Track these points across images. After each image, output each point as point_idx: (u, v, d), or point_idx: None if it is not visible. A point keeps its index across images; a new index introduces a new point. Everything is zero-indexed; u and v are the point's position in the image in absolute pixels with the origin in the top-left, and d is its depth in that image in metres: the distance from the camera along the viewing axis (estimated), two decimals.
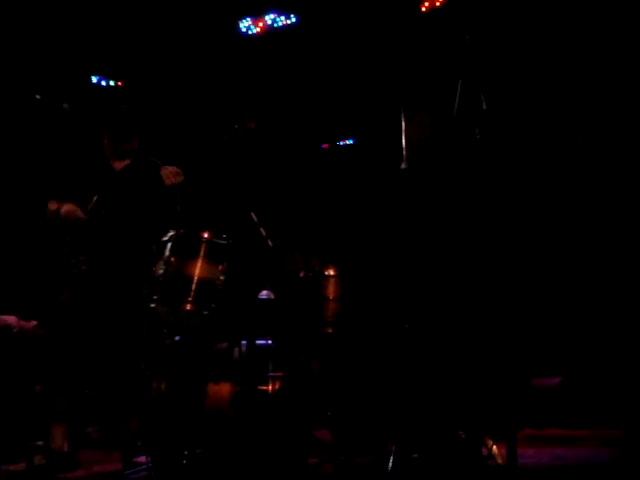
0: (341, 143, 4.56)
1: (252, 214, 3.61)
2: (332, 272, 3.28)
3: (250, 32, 5.63)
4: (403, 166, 3.08)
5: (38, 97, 3.69)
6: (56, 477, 3.46)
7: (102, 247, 3.58)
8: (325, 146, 4.76)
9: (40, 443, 3.77)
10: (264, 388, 3.32)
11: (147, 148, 3.91)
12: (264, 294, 3.50)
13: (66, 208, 3.61)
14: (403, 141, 3.18)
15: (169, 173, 3.57)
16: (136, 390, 3.54)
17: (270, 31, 5.60)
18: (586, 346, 4.57)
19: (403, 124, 3.22)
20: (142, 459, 3.36)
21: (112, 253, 3.58)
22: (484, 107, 2.85)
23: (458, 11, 4.71)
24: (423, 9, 5.06)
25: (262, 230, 3.54)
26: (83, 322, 3.54)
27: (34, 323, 4.48)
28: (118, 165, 3.81)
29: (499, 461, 3.18)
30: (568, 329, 4.71)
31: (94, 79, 5.22)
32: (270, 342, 3.48)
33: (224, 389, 3.30)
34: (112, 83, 5.25)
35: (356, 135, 4.12)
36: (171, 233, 3.26)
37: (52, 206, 3.69)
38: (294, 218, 4.39)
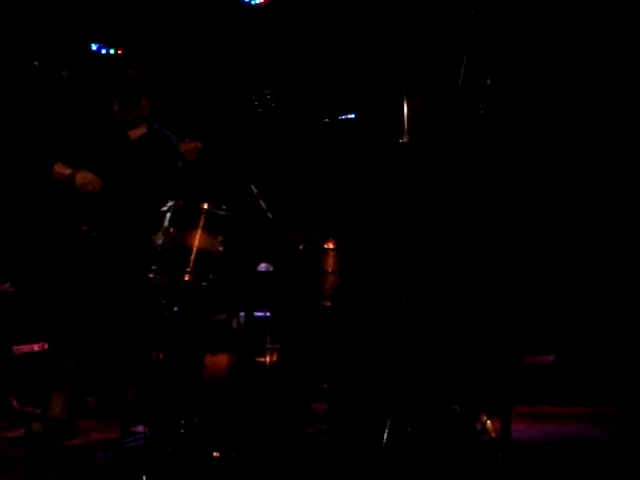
0: (343, 117, 4.52)
1: (252, 186, 3.60)
2: (331, 245, 3.28)
3: (253, 2, 5.57)
4: (405, 140, 3.07)
5: (36, 63, 3.66)
6: (54, 444, 3.49)
7: (115, 215, 3.59)
8: (326, 120, 4.72)
9: (38, 411, 3.80)
10: (262, 360, 3.34)
11: (159, 120, 3.91)
12: (263, 266, 3.51)
13: (81, 179, 3.61)
14: (405, 115, 3.16)
15: (192, 150, 3.58)
16: (135, 360, 3.56)
17: (273, 1, 5.53)
18: (580, 324, 4.60)
19: (405, 98, 3.20)
20: (140, 428, 3.40)
21: (125, 222, 3.58)
22: (488, 82, 2.83)
23: None
24: None
25: (262, 202, 3.54)
26: (91, 289, 3.55)
27: (6, 285, 4.50)
28: (133, 134, 3.82)
29: (492, 435, 3.22)
30: (563, 307, 4.73)
31: (94, 47, 5.17)
32: (268, 314, 3.49)
33: (222, 360, 3.32)
34: (112, 51, 5.20)
35: (358, 110, 4.09)
36: (170, 203, 3.26)
37: (63, 170, 3.67)
38: (294, 191, 4.37)
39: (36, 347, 4.42)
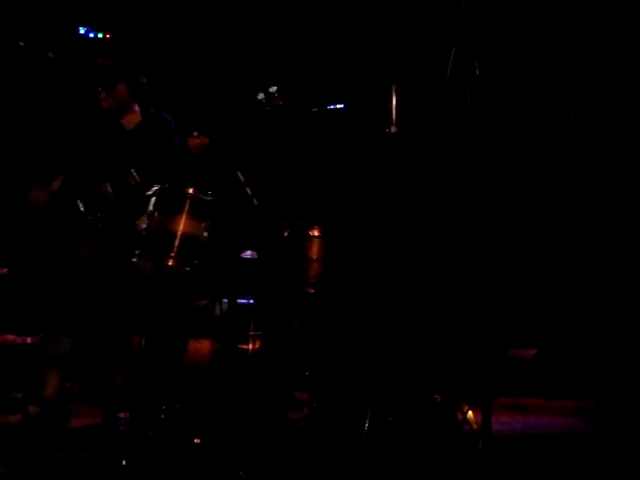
0: (331, 107, 4.50)
1: (239, 173, 3.58)
2: (316, 233, 3.27)
3: None
4: (392, 130, 3.06)
5: (22, 44, 3.61)
6: (48, 426, 3.47)
7: (118, 205, 3.56)
8: (315, 109, 4.70)
9: (19, 395, 3.78)
10: (244, 347, 3.34)
11: (156, 103, 3.87)
12: (248, 254, 3.50)
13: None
14: (393, 105, 3.16)
15: (199, 146, 3.54)
16: (119, 345, 3.55)
17: None
18: (563, 319, 4.63)
19: (393, 88, 3.20)
20: (122, 414, 3.38)
21: (128, 211, 3.55)
22: (477, 73, 2.83)
23: None
24: None
25: (248, 189, 3.52)
26: (94, 275, 3.53)
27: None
28: (127, 123, 3.78)
29: (474, 427, 3.24)
30: (546, 302, 4.76)
31: (81, 30, 5.10)
32: (252, 301, 3.48)
33: (204, 346, 3.31)
34: (100, 35, 5.14)
35: (347, 100, 4.08)
36: (155, 187, 3.23)
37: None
38: (281, 178, 4.37)
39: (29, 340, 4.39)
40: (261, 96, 3.40)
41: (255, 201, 3.41)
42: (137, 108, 3.84)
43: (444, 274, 3.45)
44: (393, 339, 3.25)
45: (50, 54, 3.66)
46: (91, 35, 5.16)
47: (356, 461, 2.99)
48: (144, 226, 3.17)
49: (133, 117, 3.81)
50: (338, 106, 4.17)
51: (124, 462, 2.87)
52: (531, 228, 4.40)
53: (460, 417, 3.24)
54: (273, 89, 3.41)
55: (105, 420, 3.43)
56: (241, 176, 3.57)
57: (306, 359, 3.43)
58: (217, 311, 3.37)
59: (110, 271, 3.52)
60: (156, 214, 3.18)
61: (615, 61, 4.00)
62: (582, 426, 3.57)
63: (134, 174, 3.50)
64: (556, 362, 4.71)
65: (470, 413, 3.25)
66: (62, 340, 3.52)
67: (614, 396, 3.62)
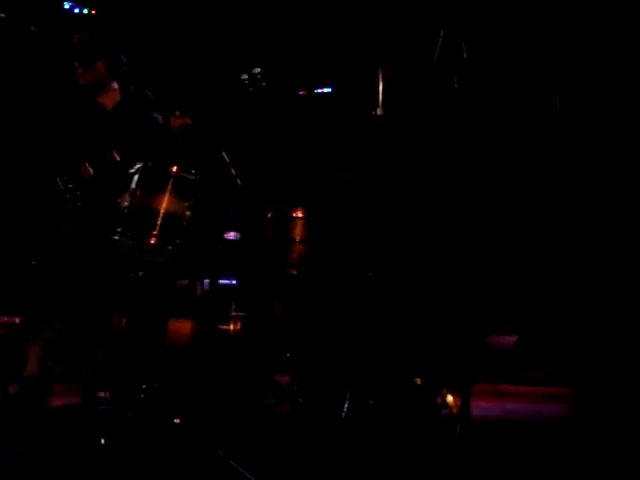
0: (319, 91, 4.48)
1: (224, 153, 3.55)
2: (300, 214, 3.26)
3: None
4: (379, 112, 3.05)
5: (3, 15, 3.55)
6: (31, 405, 3.44)
7: (98, 184, 3.52)
8: (303, 92, 4.68)
9: None
10: (225, 327, 3.33)
11: (137, 80, 3.82)
12: (232, 235, 3.49)
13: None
14: (380, 88, 3.14)
15: (180, 126, 3.50)
16: (100, 324, 3.52)
17: None
18: (544, 306, 4.67)
19: (380, 71, 3.18)
20: (102, 394, 3.37)
21: (108, 189, 3.52)
22: (465, 56, 2.82)
23: None
24: None
25: (232, 169, 3.49)
26: (77, 255, 3.50)
27: None
28: (107, 103, 3.73)
29: (453, 410, 3.26)
30: (528, 289, 4.79)
31: (66, 5, 5.03)
32: (234, 282, 3.47)
33: (185, 326, 3.30)
34: (85, 11, 5.06)
35: (335, 84, 4.05)
36: (138, 165, 3.20)
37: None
38: (266, 160, 4.34)
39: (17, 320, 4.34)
40: (244, 77, 3.38)
41: (239, 181, 3.39)
42: (116, 86, 3.79)
43: (426, 258, 3.46)
44: (374, 322, 3.26)
45: (33, 28, 3.60)
46: (76, 10, 5.09)
47: (335, 443, 3.00)
48: (126, 204, 3.14)
49: (112, 96, 3.76)
50: (326, 90, 4.15)
51: (103, 441, 2.86)
52: (513, 214, 4.42)
53: (440, 401, 3.26)
54: (256, 70, 3.39)
55: (85, 399, 3.41)
56: (226, 157, 3.54)
57: (288, 341, 3.43)
58: (198, 291, 3.35)
59: (92, 250, 3.49)
60: (138, 192, 3.14)
61: (602, 49, 4.01)
62: (559, 412, 3.60)
63: (114, 153, 3.46)
64: (537, 349, 4.74)
65: (449, 397, 3.27)
66: (51, 325, 3.49)
67: (592, 383, 3.66)
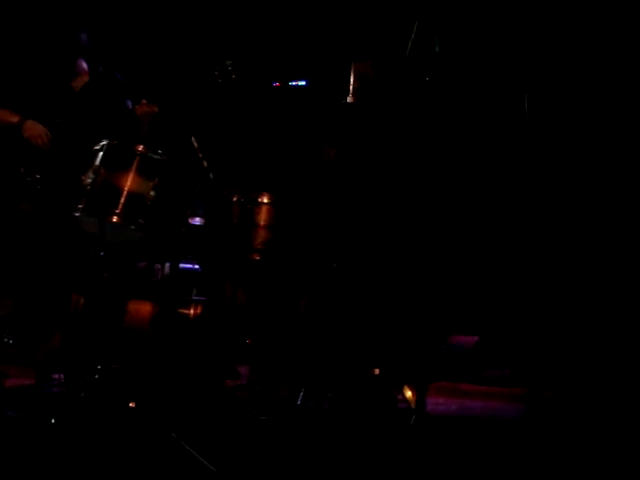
0: (293, 83, 4.47)
1: (193, 138, 3.53)
2: (265, 199, 3.24)
3: None
4: (349, 100, 3.05)
5: None
6: None
7: (59, 167, 3.47)
8: (277, 84, 4.67)
9: None
10: (185, 311, 3.29)
11: (107, 63, 3.78)
12: (197, 220, 3.45)
13: (30, 130, 3.48)
14: (352, 77, 3.15)
15: (147, 113, 3.48)
16: (58, 304, 3.46)
17: None
18: (505, 307, 4.71)
19: (353, 61, 3.19)
20: (56, 375, 3.31)
21: (68, 173, 3.46)
22: (437, 50, 2.84)
23: None
24: None
25: (199, 153, 3.47)
26: (34, 233, 3.44)
27: None
28: (76, 83, 3.69)
29: (410, 405, 3.28)
30: (490, 291, 4.83)
31: None
32: (196, 266, 3.44)
33: (145, 308, 3.25)
34: None
35: (309, 77, 4.05)
36: (103, 142, 3.15)
37: (10, 117, 3.53)
38: (234, 145, 4.31)
39: None
40: (215, 68, 3.38)
41: (205, 163, 3.36)
42: (84, 66, 3.74)
43: (392, 253, 3.47)
44: (336, 313, 3.26)
45: None
46: None
47: (289, 431, 2.99)
48: (89, 181, 3.08)
49: (80, 78, 3.72)
50: (300, 82, 4.13)
51: (53, 421, 2.80)
52: (474, 212, 4.45)
53: (397, 394, 3.27)
54: (228, 62, 3.39)
55: (38, 380, 3.35)
56: (195, 141, 3.51)
57: (248, 328, 3.40)
58: (159, 273, 3.31)
59: (50, 227, 3.44)
60: (102, 170, 3.10)
61: (573, 49, 4.06)
62: (513, 410, 3.66)
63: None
64: (496, 350, 4.79)
65: (407, 391, 3.29)
66: (2, 302, 3.43)
67: (545, 384, 3.72)
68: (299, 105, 4.31)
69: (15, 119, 3.54)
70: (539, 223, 3.62)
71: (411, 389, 3.29)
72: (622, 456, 2.89)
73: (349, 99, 3.04)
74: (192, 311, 3.29)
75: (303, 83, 4.31)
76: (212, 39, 5.22)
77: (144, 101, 3.55)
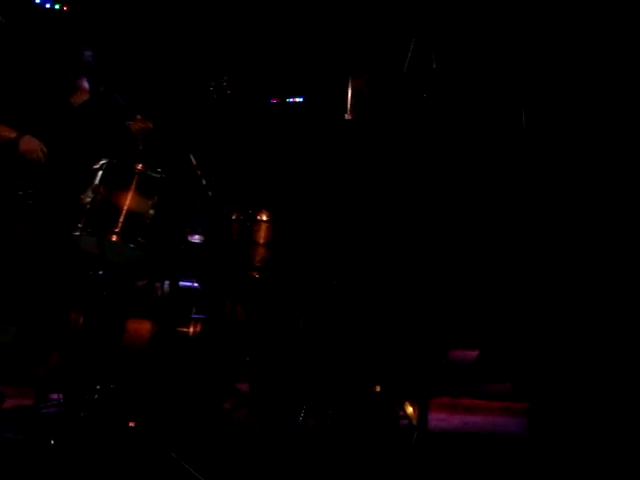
0: (290, 100, 4.51)
1: (191, 156, 3.53)
2: (264, 217, 3.23)
3: None
4: (347, 117, 3.06)
5: None
6: None
7: (54, 183, 3.47)
8: (275, 101, 4.70)
9: None
10: (185, 330, 3.28)
11: (108, 84, 3.80)
12: (196, 238, 3.45)
13: (26, 145, 3.49)
14: (349, 94, 3.16)
15: (141, 129, 3.49)
16: (57, 323, 3.44)
17: None
18: (506, 321, 4.70)
19: (350, 78, 3.20)
20: (54, 395, 3.28)
21: (64, 190, 3.47)
22: (434, 67, 2.84)
23: None
24: None
25: (198, 171, 3.47)
26: (32, 253, 3.43)
27: None
28: (75, 100, 3.70)
29: (412, 421, 3.26)
30: (491, 305, 4.83)
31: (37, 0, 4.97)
32: (195, 284, 3.43)
33: (144, 327, 3.24)
34: (57, 7, 5.01)
35: (306, 94, 4.08)
36: (103, 161, 3.15)
37: (7, 132, 3.54)
38: (232, 163, 4.32)
39: None
40: (211, 84, 3.40)
41: (204, 181, 3.36)
42: (85, 85, 3.76)
43: (391, 269, 3.46)
44: (336, 330, 3.24)
45: (0, 18, 3.55)
46: (47, 5, 5.03)
47: (291, 449, 2.96)
48: (88, 200, 3.08)
49: (80, 94, 3.74)
50: (297, 99, 4.15)
51: (52, 442, 2.78)
52: (475, 228, 4.45)
53: (399, 411, 3.26)
54: (224, 78, 3.41)
55: (37, 400, 3.32)
56: (193, 159, 3.52)
57: (248, 346, 3.39)
58: (158, 292, 3.30)
59: (47, 245, 3.43)
60: (102, 188, 3.09)
61: (569, 61, 4.08)
62: (516, 425, 3.63)
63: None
64: (498, 364, 4.77)
65: (409, 407, 3.27)
66: (8, 329, 3.41)
67: (547, 398, 3.70)
68: (297, 121, 4.33)
69: (12, 134, 3.56)
70: (539, 236, 3.62)
71: (412, 405, 3.27)
72: (627, 469, 2.87)
73: (347, 116, 3.05)
74: (191, 329, 3.28)
75: (300, 100, 4.33)
76: (209, 55, 5.25)
77: (139, 117, 3.56)
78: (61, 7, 4.93)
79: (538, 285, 3.90)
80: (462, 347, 4.89)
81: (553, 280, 4.11)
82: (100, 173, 3.14)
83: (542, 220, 3.79)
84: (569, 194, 4.13)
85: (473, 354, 4.95)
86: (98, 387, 3.12)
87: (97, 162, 3.19)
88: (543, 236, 3.80)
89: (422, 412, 3.08)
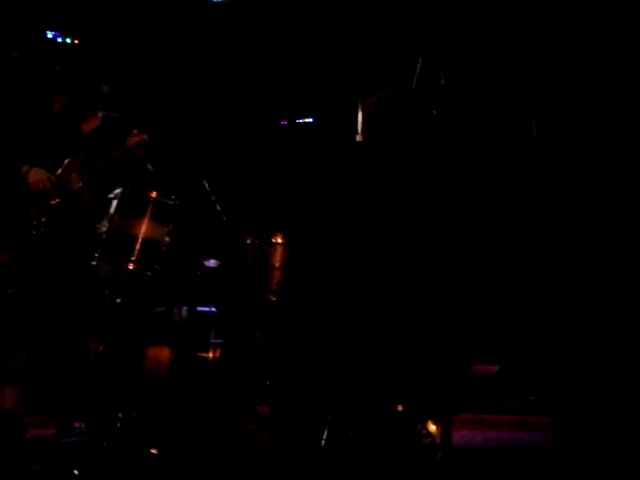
0: (300, 121, 4.53)
1: (204, 182, 3.56)
2: (280, 240, 3.24)
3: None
4: (358, 138, 3.07)
5: None
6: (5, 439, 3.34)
7: (66, 213, 3.50)
8: (284, 122, 4.72)
9: None
10: (204, 355, 3.28)
11: (119, 108, 3.81)
12: (212, 262, 3.46)
13: (34, 176, 3.54)
14: (359, 115, 3.17)
15: (137, 144, 3.48)
16: (75, 353, 3.46)
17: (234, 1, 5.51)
18: (525, 336, 4.66)
19: (360, 98, 3.22)
20: (76, 424, 3.29)
21: (75, 219, 3.50)
22: (442, 83, 2.86)
23: None
24: None
25: (212, 196, 3.49)
26: (47, 282, 3.45)
27: None
28: (85, 127, 3.74)
29: (435, 439, 3.23)
30: (509, 319, 4.79)
31: (49, 34, 5.05)
32: (213, 309, 3.43)
33: (163, 353, 3.24)
34: (68, 40, 5.09)
35: (316, 114, 4.09)
36: (117, 190, 3.18)
37: (23, 168, 3.61)
38: (246, 187, 4.34)
39: None
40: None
41: (218, 207, 3.38)
42: (99, 115, 3.79)
43: (409, 286, 3.45)
44: (355, 349, 3.23)
45: (14, 54, 3.61)
46: (59, 40, 5.11)
47: (314, 472, 2.95)
48: (104, 229, 3.11)
49: (91, 122, 3.77)
50: (307, 120, 4.18)
51: (76, 472, 2.79)
52: (493, 244, 4.44)
53: (421, 429, 3.23)
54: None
55: (59, 430, 3.33)
56: (206, 184, 3.54)
57: (268, 369, 3.38)
58: (177, 318, 3.31)
59: (64, 276, 3.45)
60: (117, 217, 3.12)
61: (578, 74, 4.08)
62: (541, 440, 3.59)
63: (77, 177, 3.45)
64: (519, 378, 4.73)
65: (431, 425, 3.24)
66: (15, 355, 3.43)
67: (572, 411, 3.65)
68: (307, 143, 4.35)
69: (25, 168, 3.61)
70: (560, 250, 3.60)
71: (435, 423, 3.24)
72: None
73: (358, 137, 3.06)
74: (211, 354, 3.28)
75: (310, 120, 4.35)
76: (219, 79, 5.30)
77: (134, 131, 3.51)
78: (72, 40, 5.02)
79: (556, 299, 3.87)
80: (482, 362, 4.85)
81: (569, 294, 4.08)
82: (115, 202, 3.17)
83: (565, 234, 3.77)
84: (589, 207, 4.11)
85: (494, 369, 4.91)
86: (120, 415, 3.13)
87: (112, 191, 3.22)
88: (565, 250, 3.77)
89: (446, 430, 3.06)
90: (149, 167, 3.61)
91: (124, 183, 3.34)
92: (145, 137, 3.48)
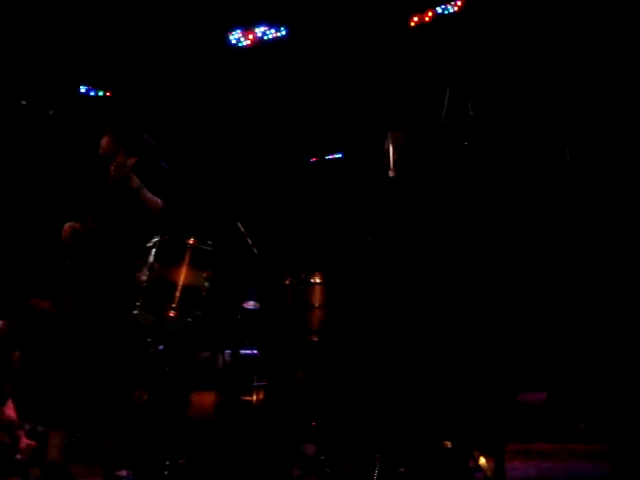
0: (330, 157, 4.57)
1: (239, 224, 3.59)
2: (318, 279, 3.24)
3: (240, 44, 5.66)
4: (391, 174, 3.07)
5: (24, 102, 3.68)
6: None
7: (93, 256, 3.57)
8: (314, 159, 4.77)
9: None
10: (248, 398, 3.27)
11: (154, 152, 3.85)
12: (251, 304, 3.47)
13: (64, 230, 3.63)
14: (390, 150, 3.17)
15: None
16: (118, 401, 3.47)
17: (260, 44, 5.62)
18: (572, 361, 4.56)
19: (389, 133, 3.22)
20: (123, 472, 3.30)
21: (106, 261, 3.55)
22: (471, 114, 2.86)
23: (446, 26, 4.75)
24: (412, 24, 5.11)
25: (248, 239, 3.51)
26: (81, 330, 3.50)
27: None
28: (114, 171, 3.80)
29: (487, 474, 3.15)
30: (555, 345, 4.70)
31: (82, 89, 5.21)
32: (255, 352, 3.43)
33: (207, 398, 3.25)
34: (100, 93, 5.25)
35: (345, 149, 4.12)
36: (155, 239, 3.23)
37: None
38: (282, 228, 4.36)
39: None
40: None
41: (255, 250, 3.40)
42: (132, 160, 3.83)
43: (449, 319, 3.41)
44: (400, 386, 3.19)
45: (51, 112, 3.72)
46: (92, 93, 5.27)
47: None
48: (144, 278, 3.15)
49: (122, 168, 3.80)
50: (336, 155, 4.20)
51: None
52: (533, 271, 4.38)
53: (472, 464, 3.15)
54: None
55: (106, 479, 3.34)
56: (241, 226, 3.57)
57: (312, 410, 3.36)
58: (220, 362, 3.32)
59: (107, 325, 3.48)
60: (156, 265, 3.16)
61: (610, 101, 4.05)
62: (598, 470, 3.47)
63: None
64: (568, 405, 4.61)
65: (482, 460, 3.16)
66: (64, 405, 3.46)
67: (630, 439, 3.52)
68: (338, 179, 4.36)
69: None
70: (601, 275, 3.52)
71: (485, 456, 3.17)
72: None
73: (391, 173, 3.06)
74: (255, 397, 3.27)
75: (339, 155, 4.37)
76: (248, 121, 5.38)
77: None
78: (104, 93, 5.17)
79: (604, 322, 3.78)
80: (529, 390, 4.75)
81: (617, 317, 3.99)
82: (153, 250, 3.21)
83: (604, 258, 3.70)
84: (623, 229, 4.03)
85: (541, 396, 4.80)
86: (167, 462, 3.13)
87: (150, 240, 3.26)
88: (606, 275, 3.70)
89: (499, 464, 2.98)
90: (135, 182, 3.52)
91: (164, 231, 3.38)
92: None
